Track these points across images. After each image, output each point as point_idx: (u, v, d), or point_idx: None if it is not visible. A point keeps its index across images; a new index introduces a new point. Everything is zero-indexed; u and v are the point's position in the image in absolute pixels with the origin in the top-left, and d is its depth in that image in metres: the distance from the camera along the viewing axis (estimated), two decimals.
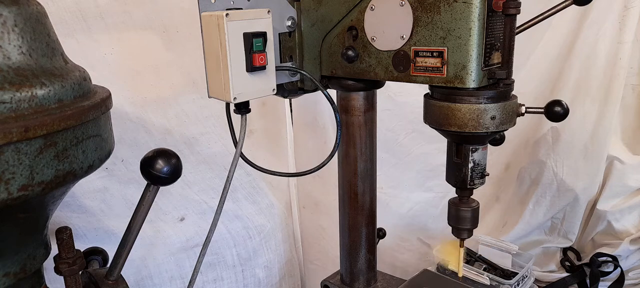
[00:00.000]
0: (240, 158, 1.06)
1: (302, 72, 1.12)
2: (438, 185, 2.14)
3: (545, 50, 2.11)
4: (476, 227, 1.08)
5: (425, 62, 0.94)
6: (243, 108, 1.02)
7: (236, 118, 1.05)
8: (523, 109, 0.95)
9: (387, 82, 1.13)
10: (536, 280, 2.07)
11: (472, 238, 1.48)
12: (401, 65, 0.99)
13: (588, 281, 2.14)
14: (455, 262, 1.12)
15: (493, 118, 0.92)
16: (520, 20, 0.90)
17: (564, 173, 2.15)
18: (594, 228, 2.26)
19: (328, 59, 1.12)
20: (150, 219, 1.36)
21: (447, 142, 1.04)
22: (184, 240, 1.68)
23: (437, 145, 1.94)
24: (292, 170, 1.99)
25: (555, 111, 0.95)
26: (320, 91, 1.11)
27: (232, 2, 0.98)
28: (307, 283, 2.17)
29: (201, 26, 0.96)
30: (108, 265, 0.97)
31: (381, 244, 1.40)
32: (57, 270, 0.86)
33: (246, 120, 1.03)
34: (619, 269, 2.15)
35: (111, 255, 0.93)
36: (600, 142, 2.12)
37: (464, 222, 1.06)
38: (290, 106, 1.96)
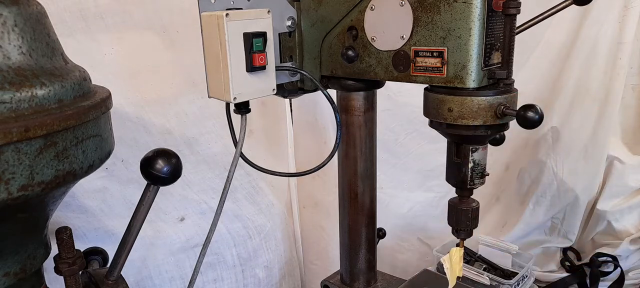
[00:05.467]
0: (240, 158, 1.06)
1: (302, 72, 1.12)
2: (438, 185, 2.14)
3: (545, 50, 2.11)
4: (476, 227, 1.08)
5: (425, 62, 0.94)
6: (243, 108, 1.02)
7: (236, 118, 1.05)
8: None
9: (387, 82, 1.13)
10: (536, 280, 2.06)
11: (472, 238, 1.48)
12: (401, 65, 0.99)
13: (588, 281, 2.14)
14: (457, 271, 1.12)
15: None
16: (520, 20, 0.90)
17: (564, 173, 2.15)
18: (594, 228, 2.26)
19: (328, 59, 1.12)
20: (150, 219, 1.36)
21: (447, 142, 1.04)
22: (184, 240, 1.68)
23: (437, 145, 1.94)
24: (292, 170, 1.99)
25: (528, 117, 0.87)
26: (320, 91, 1.11)
27: (232, 2, 0.98)
28: (307, 283, 2.17)
29: (201, 26, 0.96)
30: (108, 265, 0.97)
31: (381, 244, 1.40)
32: (57, 270, 0.86)
33: (246, 120, 1.03)
34: (619, 269, 2.15)
35: (111, 255, 0.93)
36: (600, 142, 2.12)
37: (463, 223, 1.06)
38: (290, 106, 1.96)
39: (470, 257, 1.94)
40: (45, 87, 0.70)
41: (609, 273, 2.16)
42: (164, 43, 1.50)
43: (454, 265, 1.10)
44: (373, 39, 1.02)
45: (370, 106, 1.21)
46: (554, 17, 0.99)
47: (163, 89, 1.52)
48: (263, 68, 0.97)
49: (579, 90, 2.09)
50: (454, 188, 1.06)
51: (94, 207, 1.49)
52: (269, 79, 1.01)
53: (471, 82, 0.90)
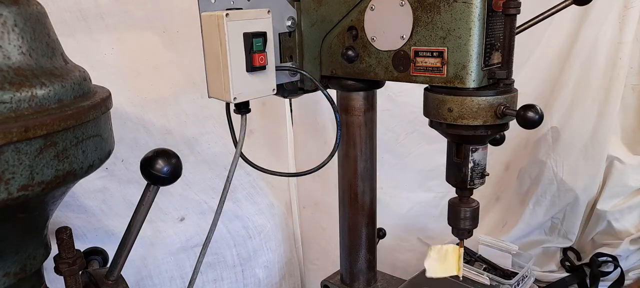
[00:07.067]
0: (240, 158, 1.06)
1: (302, 72, 1.12)
2: (438, 185, 2.14)
3: (545, 50, 2.11)
4: (476, 227, 1.08)
5: (425, 62, 0.94)
6: (243, 108, 1.02)
7: (236, 118, 1.05)
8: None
9: (387, 82, 1.13)
10: (536, 280, 2.06)
11: (472, 238, 1.48)
12: (401, 65, 0.99)
13: (588, 281, 2.14)
14: (448, 269, 1.12)
15: None
16: (520, 20, 0.90)
17: (564, 173, 2.15)
18: (594, 228, 2.26)
19: (328, 59, 1.12)
20: (150, 219, 1.36)
21: (447, 142, 1.04)
22: (184, 240, 1.68)
23: (437, 145, 1.94)
24: (292, 170, 1.99)
25: (528, 117, 0.86)
26: (320, 91, 1.11)
27: (232, 2, 0.98)
28: (307, 283, 2.17)
29: (201, 26, 0.96)
30: (108, 265, 0.97)
31: (381, 244, 1.40)
32: (57, 270, 0.86)
33: (246, 120, 1.03)
34: (619, 269, 2.15)
35: (111, 255, 0.93)
36: (600, 142, 2.12)
37: (463, 222, 1.06)
38: (290, 106, 1.96)
39: (470, 257, 1.94)
40: (45, 87, 0.70)
41: (609, 273, 2.16)
42: (164, 43, 1.50)
43: (447, 261, 1.10)
44: (373, 39, 1.02)
45: (370, 106, 1.21)
46: (554, 17, 0.99)
47: (163, 89, 1.52)
48: (263, 68, 0.97)
49: (579, 90, 2.08)
50: (454, 188, 1.06)
51: (94, 207, 1.49)
52: (269, 79, 1.01)
53: (471, 82, 0.90)
